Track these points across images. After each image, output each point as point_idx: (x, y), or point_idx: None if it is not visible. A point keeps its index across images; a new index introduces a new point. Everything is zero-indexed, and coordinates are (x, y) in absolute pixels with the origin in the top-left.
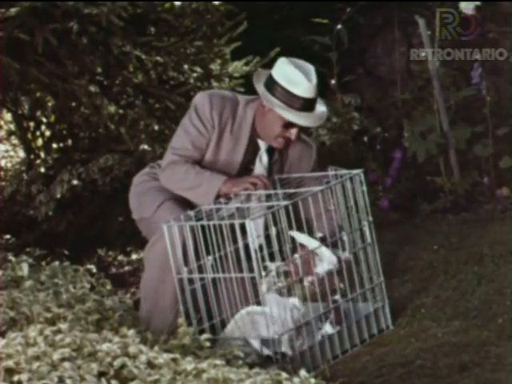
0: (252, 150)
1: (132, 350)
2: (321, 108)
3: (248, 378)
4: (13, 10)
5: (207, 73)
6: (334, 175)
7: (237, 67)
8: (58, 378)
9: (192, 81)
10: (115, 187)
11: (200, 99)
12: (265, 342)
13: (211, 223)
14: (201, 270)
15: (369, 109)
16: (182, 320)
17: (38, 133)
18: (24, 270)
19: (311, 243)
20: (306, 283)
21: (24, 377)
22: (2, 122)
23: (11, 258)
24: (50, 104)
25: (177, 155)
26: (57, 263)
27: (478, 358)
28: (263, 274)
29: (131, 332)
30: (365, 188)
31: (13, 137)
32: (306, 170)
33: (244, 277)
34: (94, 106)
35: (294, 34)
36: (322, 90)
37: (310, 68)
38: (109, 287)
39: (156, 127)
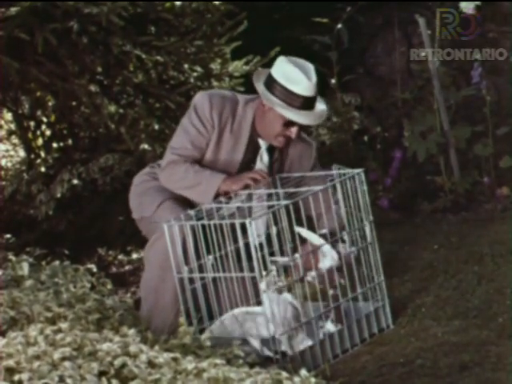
0: (252, 149)
1: (132, 349)
2: (321, 106)
3: (248, 377)
4: (13, 10)
5: (207, 72)
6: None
7: (237, 67)
8: (58, 377)
9: (192, 80)
10: (115, 187)
11: (200, 99)
12: (264, 341)
13: (212, 223)
14: (201, 269)
15: (369, 108)
16: (182, 319)
17: (38, 132)
18: (24, 269)
19: (315, 240)
20: (309, 278)
21: (24, 376)
22: (3, 122)
23: (11, 257)
24: (50, 103)
25: (176, 155)
26: (57, 263)
27: (478, 357)
28: (263, 273)
29: (132, 331)
30: (365, 187)
31: (13, 136)
32: (306, 168)
33: (244, 276)
34: (94, 105)
35: (294, 33)
36: (322, 89)
37: (310, 66)
38: (109, 286)
39: (156, 127)
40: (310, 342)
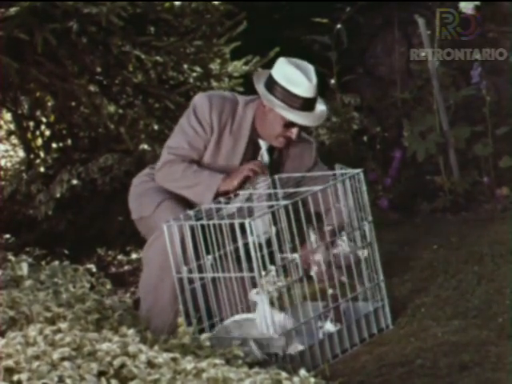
0: (253, 150)
1: (132, 349)
2: (321, 107)
3: (248, 377)
4: (12, 10)
5: (207, 72)
6: (335, 174)
7: (236, 67)
8: (57, 377)
9: (192, 80)
10: (115, 187)
11: (199, 100)
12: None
13: (211, 223)
14: (200, 269)
15: (368, 108)
16: (181, 319)
17: (37, 132)
18: (24, 269)
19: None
20: (312, 273)
21: (24, 376)
22: (2, 122)
23: (11, 257)
24: (49, 104)
25: (173, 154)
26: (56, 263)
27: (478, 357)
28: (263, 273)
29: (131, 331)
30: (365, 188)
31: (12, 136)
32: (307, 167)
33: (244, 276)
34: (94, 105)
35: (294, 33)
36: (322, 89)
37: (310, 68)
38: (108, 287)
39: (156, 127)
40: (300, 347)
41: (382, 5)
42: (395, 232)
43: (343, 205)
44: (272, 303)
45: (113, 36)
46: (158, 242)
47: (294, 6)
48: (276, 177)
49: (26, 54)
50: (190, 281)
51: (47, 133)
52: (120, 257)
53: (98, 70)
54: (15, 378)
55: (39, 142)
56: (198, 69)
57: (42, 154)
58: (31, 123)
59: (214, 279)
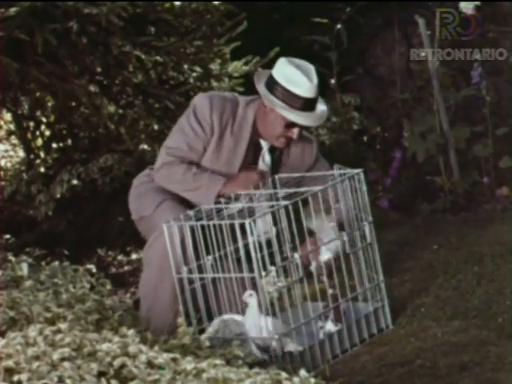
0: (254, 150)
1: (132, 349)
2: (321, 107)
3: (248, 377)
4: (12, 10)
5: (207, 72)
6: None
7: (236, 67)
8: (57, 377)
9: (192, 81)
10: (115, 187)
11: (199, 101)
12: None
13: (211, 223)
14: (200, 269)
15: (368, 109)
16: (181, 320)
17: (37, 133)
18: (24, 269)
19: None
20: (312, 269)
21: (24, 376)
22: (2, 122)
23: (11, 257)
24: (49, 104)
25: (171, 156)
26: (56, 263)
27: (478, 357)
28: (263, 274)
29: (131, 332)
30: (365, 188)
31: (13, 137)
32: (308, 165)
33: (244, 277)
34: (94, 105)
35: (294, 33)
36: (322, 89)
37: (311, 68)
38: (108, 287)
39: (156, 127)
40: (309, 343)
41: (382, 5)
42: (395, 232)
43: (343, 205)
44: (272, 304)
45: (113, 36)
46: (158, 242)
47: (294, 6)
48: (276, 177)
49: (26, 54)
50: (190, 281)
51: (47, 133)
52: (120, 257)
53: (98, 70)
54: (15, 378)
55: (39, 142)
56: (198, 69)
57: (42, 155)
58: (31, 123)
59: (214, 279)
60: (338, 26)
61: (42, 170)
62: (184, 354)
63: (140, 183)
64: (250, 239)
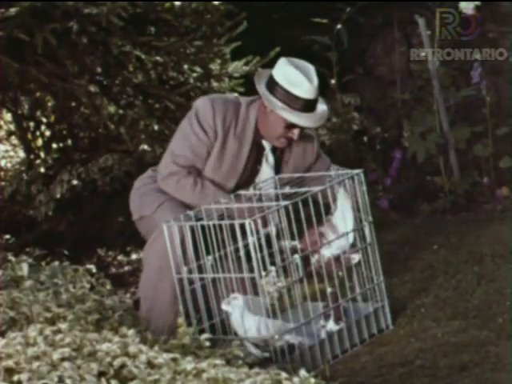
0: (257, 151)
1: (132, 349)
2: (321, 107)
3: (248, 377)
4: (12, 10)
5: (207, 73)
6: (335, 175)
7: (237, 67)
8: (57, 377)
9: (192, 81)
10: (115, 187)
11: (202, 104)
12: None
13: (211, 223)
14: (200, 269)
15: (368, 109)
16: (181, 320)
17: (37, 133)
18: (24, 269)
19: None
20: (312, 260)
21: (24, 376)
22: (2, 122)
23: (11, 257)
24: (49, 104)
25: (178, 165)
26: (56, 263)
27: (477, 357)
28: (263, 274)
29: (131, 332)
30: (365, 188)
31: (13, 137)
32: (310, 162)
33: (244, 277)
34: (94, 106)
35: (294, 33)
36: (322, 89)
37: (311, 68)
38: (108, 287)
39: (156, 127)
40: (309, 343)
41: (382, 5)
42: (395, 232)
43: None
44: (272, 304)
45: (113, 36)
46: (158, 242)
47: (293, 7)
48: (277, 177)
49: (26, 54)
50: (190, 281)
51: (47, 133)
52: (120, 257)
53: (98, 70)
54: (15, 378)
55: (39, 142)
56: (198, 69)
57: (42, 155)
58: (31, 123)
59: (214, 280)
60: (338, 26)
61: (42, 170)
62: (184, 354)
63: (142, 184)
64: (250, 239)
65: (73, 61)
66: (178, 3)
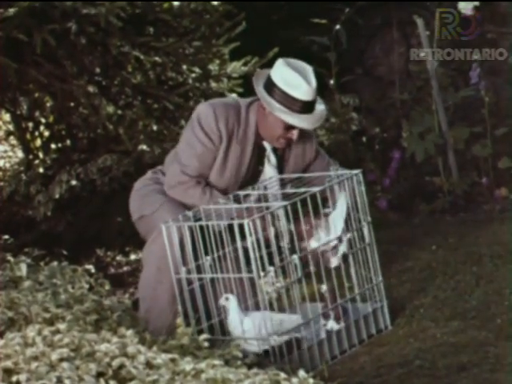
0: (258, 152)
1: (130, 350)
2: (320, 107)
3: (247, 378)
4: (11, 11)
5: (206, 73)
6: (334, 175)
7: (235, 67)
8: (56, 378)
9: (190, 81)
10: (114, 187)
11: (203, 111)
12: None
13: (210, 223)
14: (199, 270)
15: (367, 109)
16: (180, 320)
17: (36, 133)
18: (22, 270)
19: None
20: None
21: (22, 377)
22: (1, 123)
23: (10, 258)
24: (48, 104)
25: (187, 175)
26: (55, 263)
27: (476, 358)
28: (262, 274)
29: (130, 332)
30: (363, 188)
31: (11, 137)
32: (310, 159)
33: (242, 277)
34: (93, 106)
35: (293, 34)
36: (321, 90)
37: (309, 70)
38: (107, 287)
39: (154, 127)
40: (308, 343)
41: (381, 5)
42: (394, 233)
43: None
44: (271, 304)
45: (112, 36)
46: (157, 242)
47: (292, 7)
48: (277, 177)
49: (25, 55)
50: (189, 281)
51: (46, 133)
52: (119, 257)
53: (97, 70)
54: (14, 378)
55: (38, 142)
56: (196, 69)
57: (40, 155)
58: (30, 124)
59: (212, 280)
60: (337, 26)
61: (41, 170)
62: (183, 354)
63: (143, 186)
64: (249, 240)
65: (71, 61)
66: (176, 3)
